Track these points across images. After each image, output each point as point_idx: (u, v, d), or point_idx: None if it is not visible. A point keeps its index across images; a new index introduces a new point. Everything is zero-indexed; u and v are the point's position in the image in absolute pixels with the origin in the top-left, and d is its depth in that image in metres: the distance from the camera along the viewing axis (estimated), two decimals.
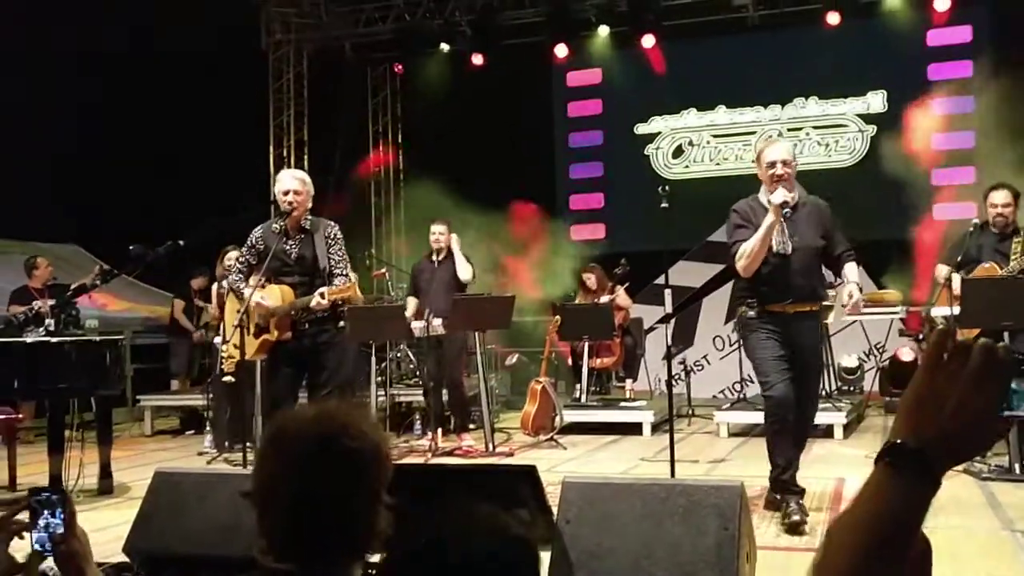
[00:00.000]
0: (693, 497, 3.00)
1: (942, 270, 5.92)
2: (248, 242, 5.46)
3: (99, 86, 9.84)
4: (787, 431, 4.50)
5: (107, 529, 4.42)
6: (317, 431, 1.39)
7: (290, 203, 5.27)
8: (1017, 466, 5.34)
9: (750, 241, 4.48)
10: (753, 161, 4.76)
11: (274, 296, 5.29)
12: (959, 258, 5.82)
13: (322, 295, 5.12)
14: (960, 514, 4.57)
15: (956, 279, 5.62)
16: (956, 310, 5.51)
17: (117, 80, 9.96)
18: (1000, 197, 5.94)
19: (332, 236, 5.39)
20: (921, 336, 8.54)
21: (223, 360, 6.63)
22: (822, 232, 4.64)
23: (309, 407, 1.50)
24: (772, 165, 4.59)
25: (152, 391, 9.55)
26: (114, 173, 10.15)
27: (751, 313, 4.60)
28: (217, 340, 7.42)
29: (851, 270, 4.70)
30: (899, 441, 0.86)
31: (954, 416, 0.84)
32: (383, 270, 10.50)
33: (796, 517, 4.31)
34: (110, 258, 7.46)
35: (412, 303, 7.55)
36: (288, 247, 5.34)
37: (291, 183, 5.33)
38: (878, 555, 0.83)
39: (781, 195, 4.41)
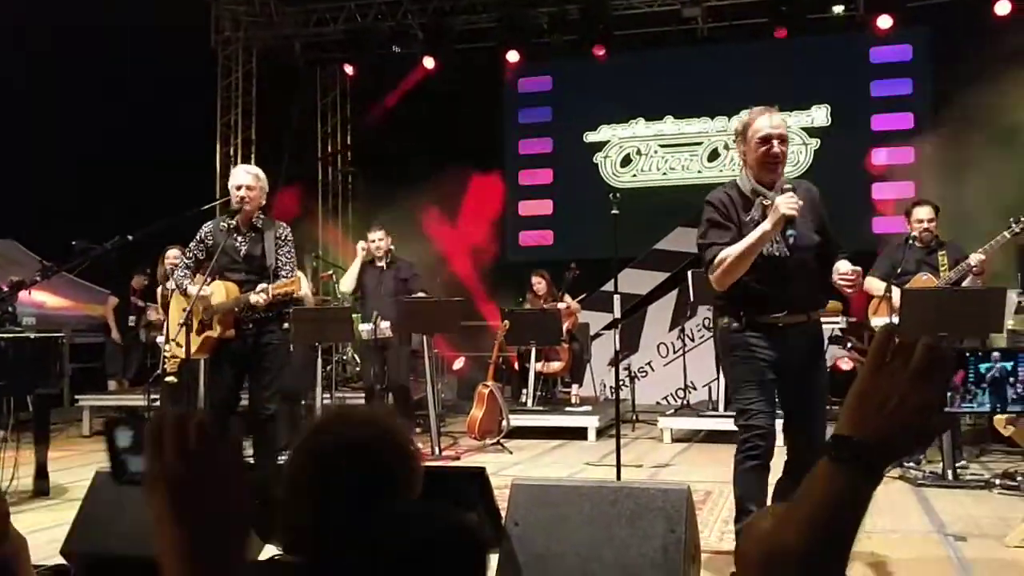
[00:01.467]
0: (640, 500, 3.04)
1: (875, 283, 6.09)
2: (197, 237, 5.37)
3: (40, 79, 9.63)
4: (765, 470, 3.58)
5: (43, 531, 4.33)
6: (355, 440, 1.38)
7: (242, 198, 5.20)
8: (950, 473, 5.49)
9: (732, 249, 3.52)
10: (734, 140, 3.79)
11: (218, 293, 5.22)
12: (897, 270, 5.98)
13: (264, 291, 5.05)
14: (895, 519, 4.69)
15: (896, 291, 5.77)
16: (895, 319, 5.66)
17: (60, 74, 9.77)
18: (925, 212, 6.17)
19: (283, 237, 5.35)
20: (850, 345, 8.77)
21: (166, 360, 6.55)
22: (817, 226, 3.70)
23: (352, 412, 1.50)
24: (766, 141, 3.59)
25: (90, 391, 9.36)
26: (55, 168, 9.95)
27: (735, 325, 3.66)
28: (160, 340, 7.32)
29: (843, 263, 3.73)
30: (843, 436, 0.89)
31: (896, 412, 0.88)
32: (330, 272, 10.44)
33: None
34: (49, 254, 7.29)
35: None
36: (238, 244, 5.27)
37: (244, 178, 5.26)
38: (824, 547, 0.87)
39: (787, 205, 3.42)
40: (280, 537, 1.38)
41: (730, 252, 3.52)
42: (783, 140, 3.63)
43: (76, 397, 9.06)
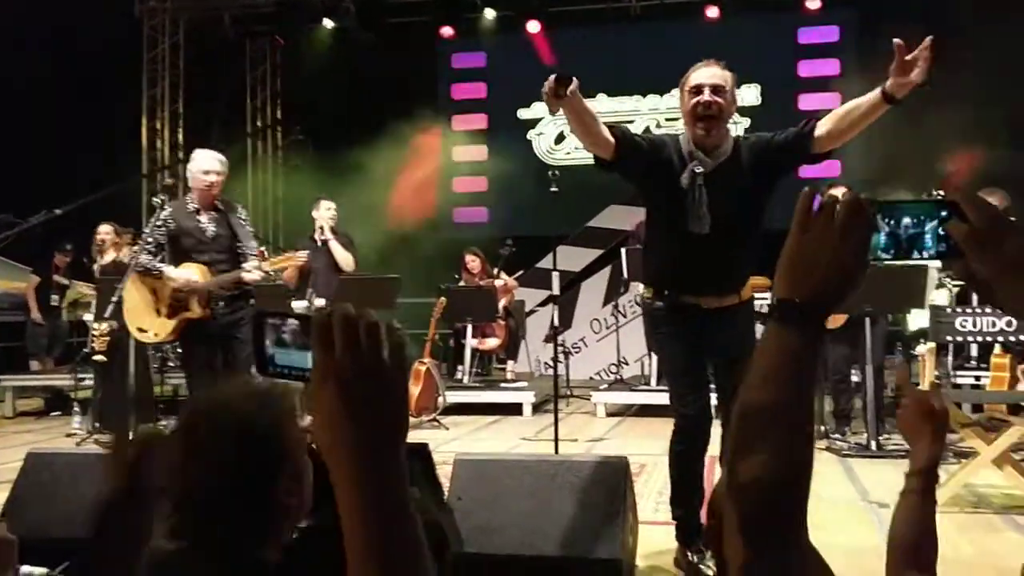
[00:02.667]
0: (580, 473, 3.11)
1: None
2: (156, 221, 5.26)
3: None
4: (696, 452, 3.43)
5: None
6: (232, 416, 1.37)
7: (211, 183, 5.25)
8: (874, 443, 5.71)
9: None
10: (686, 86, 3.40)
11: (194, 274, 5.23)
12: None
13: (258, 267, 5.18)
14: (822, 487, 4.86)
15: None
16: None
17: None
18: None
19: (244, 217, 5.43)
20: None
21: (95, 339, 6.41)
22: (765, 179, 3.35)
23: (224, 389, 1.46)
24: (696, 91, 3.29)
25: (11, 371, 9.11)
26: None
27: (658, 303, 3.45)
28: (88, 318, 7.15)
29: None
30: (783, 299, 0.96)
31: (827, 268, 0.95)
32: (261, 249, 10.27)
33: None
34: None
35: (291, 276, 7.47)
36: (203, 225, 5.27)
37: (214, 164, 5.29)
38: (791, 410, 0.94)
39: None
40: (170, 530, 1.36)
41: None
42: (717, 90, 3.25)
43: None
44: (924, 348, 5.00)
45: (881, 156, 9.61)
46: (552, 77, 3.08)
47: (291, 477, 1.36)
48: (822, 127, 3.28)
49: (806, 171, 11.75)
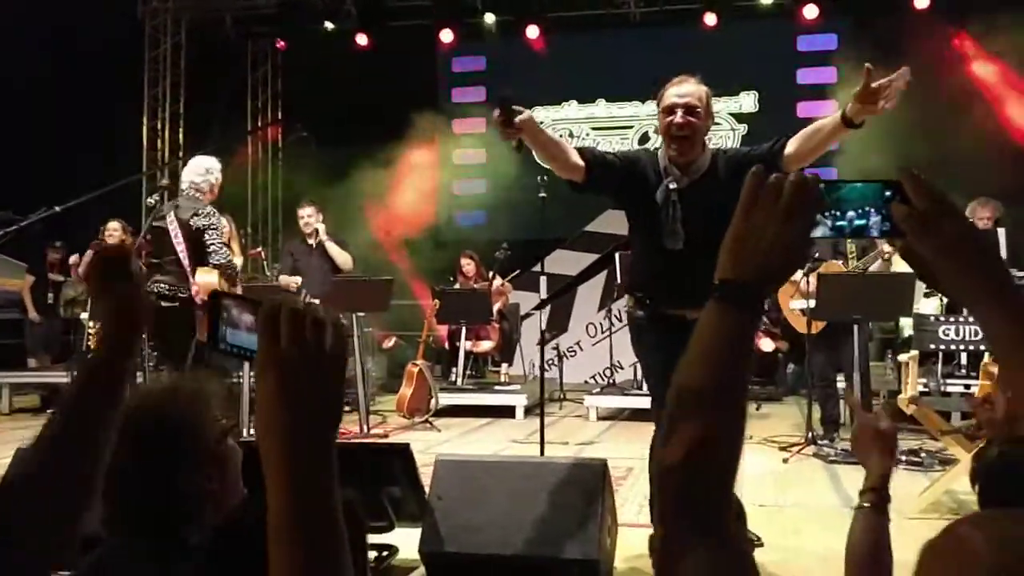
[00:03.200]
0: (559, 474, 3.15)
1: None
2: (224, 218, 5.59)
3: None
4: None
5: None
6: (150, 408, 1.43)
7: (217, 181, 5.55)
8: None
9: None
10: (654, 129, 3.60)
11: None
12: (815, 256, 6.23)
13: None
14: (806, 493, 4.91)
15: (812, 278, 5.99)
16: (812, 303, 5.88)
17: None
18: None
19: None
20: (764, 326, 9.09)
21: (90, 336, 6.47)
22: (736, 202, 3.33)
23: (152, 385, 1.53)
24: (669, 111, 3.32)
25: (8, 368, 9.16)
26: None
27: (639, 313, 3.50)
28: (84, 316, 7.20)
29: None
30: (726, 279, 0.97)
31: (772, 248, 0.96)
32: (259, 249, 10.35)
33: None
34: None
35: (285, 281, 7.50)
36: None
37: (216, 164, 5.53)
38: (723, 385, 0.95)
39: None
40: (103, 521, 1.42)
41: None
42: (690, 110, 3.27)
43: None
44: (906, 356, 5.04)
45: (877, 160, 9.66)
46: (497, 106, 3.05)
47: (209, 463, 1.41)
48: (791, 146, 3.29)
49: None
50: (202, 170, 5.49)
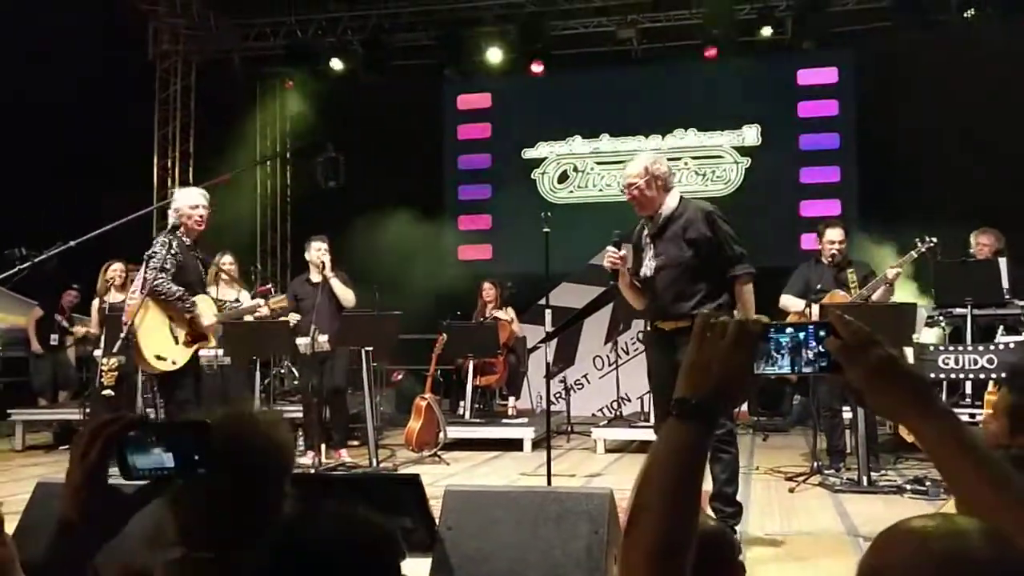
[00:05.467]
0: (565, 504, 3.21)
1: (792, 300, 6.46)
2: (165, 251, 5.33)
3: None
4: None
5: None
6: (226, 430, 1.52)
7: (201, 218, 5.45)
8: (865, 479, 5.77)
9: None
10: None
11: (208, 305, 5.47)
12: (817, 287, 6.31)
13: (264, 304, 5.65)
14: (811, 522, 4.95)
15: (815, 308, 6.06)
16: None
17: None
18: (836, 234, 6.50)
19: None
20: None
21: (103, 374, 6.55)
22: (692, 244, 4.36)
23: (215, 411, 1.61)
24: (625, 188, 4.51)
25: (18, 405, 9.25)
26: None
27: (646, 330, 4.71)
28: (97, 353, 7.30)
29: (745, 298, 4.36)
30: (682, 398, 1.13)
31: (719, 375, 1.13)
32: (268, 285, 10.44)
33: None
34: None
35: (293, 318, 7.55)
36: (199, 261, 5.54)
37: (202, 199, 5.49)
38: (677, 492, 1.09)
39: (605, 261, 4.43)
40: (176, 539, 1.51)
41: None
42: (630, 185, 4.43)
43: (8, 411, 8.94)
44: None
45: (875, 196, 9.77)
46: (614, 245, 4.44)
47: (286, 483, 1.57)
48: (739, 290, 4.39)
49: (808, 209, 11.81)
50: (173, 205, 5.55)
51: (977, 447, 1.09)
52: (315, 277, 7.42)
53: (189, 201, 5.44)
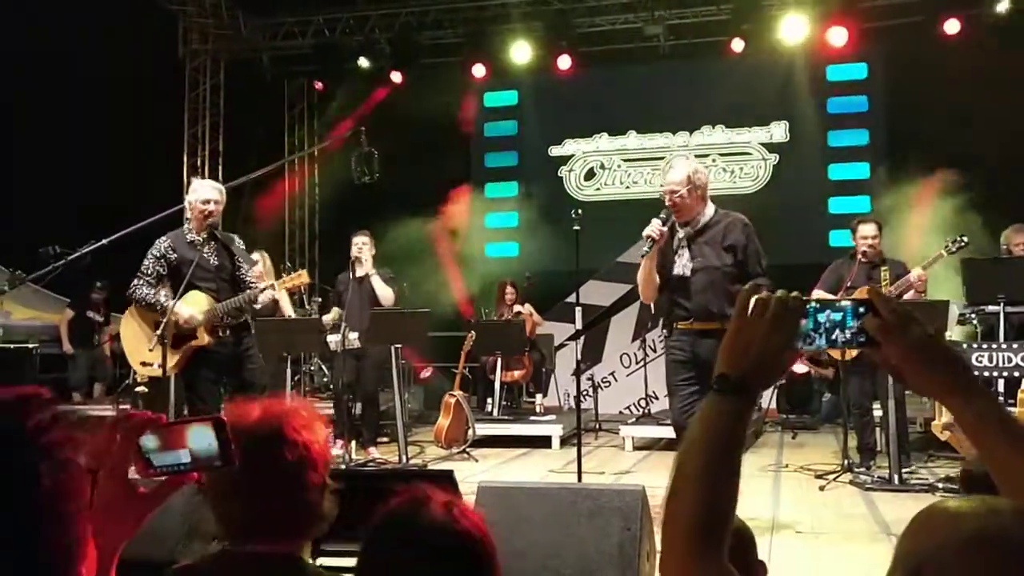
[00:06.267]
0: (598, 500, 3.23)
1: (822, 295, 6.37)
2: (155, 252, 5.39)
3: (8, 85, 9.65)
4: None
5: None
6: (266, 427, 1.54)
7: (210, 212, 5.41)
8: (896, 477, 5.74)
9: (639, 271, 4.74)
10: (662, 184, 4.83)
11: (198, 302, 5.37)
12: (847, 284, 6.26)
13: (272, 287, 5.49)
14: (843, 521, 4.93)
15: None
16: None
17: (28, 81, 9.79)
18: (869, 230, 6.43)
19: (242, 248, 5.65)
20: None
21: (137, 371, 6.63)
22: (731, 251, 4.61)
23: (250, 406, 1.62)
24: (667, 193, 4.68)
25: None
26: (19, 177, 9.96)
27: (664, 331, 4.84)
28: None
29: None
30: (722, 374, 1.15)
31: (758, 352, 1.14)
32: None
33: None
34: (14, 265, 7.31)
35: (336, 313, 7.60)
36: (206, 255, 5.41)
37: (211, 192, 5.46)
38: (717, 464, 1.11)
39: (648, 228, 4.54)
40: (221, 534, 1.57)
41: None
42: (672, 192, 4.59)
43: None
44: None
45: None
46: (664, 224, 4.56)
47: (317, 477, 1.59)
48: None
49: (838, 207, 11.71)
50: (187, 197, 5.56)
51: (1017, 426, 1.10)
52: (358, 271, 7.45)
53: (200, 195, 5.45)
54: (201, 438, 1.24)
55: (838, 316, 1.18)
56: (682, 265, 4.63)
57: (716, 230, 4.64)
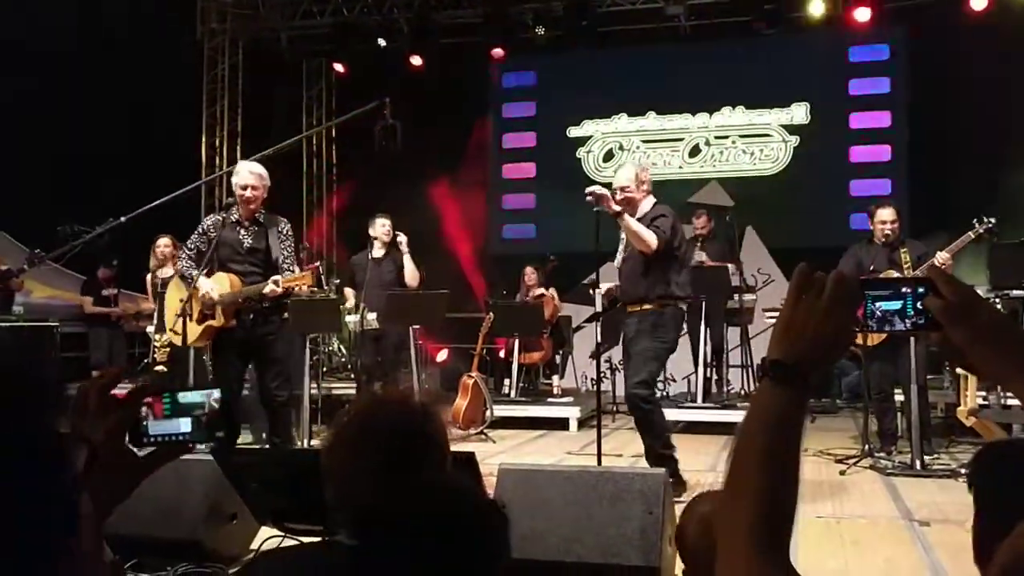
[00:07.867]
0: (620, 484, 3.21)
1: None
2: (199, 229, 5.56)
3: (27, 67, 9.66)
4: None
5: None
6: (405, 418, 1.53)
7: (248, 197, 5.45)
8: (918, 463, 5.70)
9: None
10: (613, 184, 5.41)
11: (223, 284, 5.42)
12: (870, 267, 6.21)
13: (276, 283, 5.30)
14: (864, 506, 4.90)
15: None
16: None
17: (45, 62, 9.79)
18: (888, 214, 6.38)
19: (285, 232, 5.62)
20: None
21: (156, 350, 6.66)
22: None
23: (384, 393, 1.62)
24: (618, 189, 5.34)
25: (74, 379, 9.40)
26: (39, 157, 9.97)
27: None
28: (150, 329, 7.41)
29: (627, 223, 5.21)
30: (776, 360, 1.06)
31: (815, 336, 1.06)
32: (316, 264, 10.53)
33: None
34: (34, 244, 7.34)
35: (350, 294, 7.63)
36: (240, 236, 5.48)
37: (248, 178, 5.48)
38: (779, 458, 1.03)
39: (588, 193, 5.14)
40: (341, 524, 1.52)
41: None
42: (623, 189, 5.28)
43: (66, 385, 9.10)
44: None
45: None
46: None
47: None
48: None
49: (858, 189, 11.63)
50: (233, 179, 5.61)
51: None
52: (376, 252, 7.46)
53: (239, 180, 5.51)
54: (199, 408, 1.25)
55: (896, 298, 1.12)
56: (618, 254, 5.46)
57: (644, 221, 5.20)
